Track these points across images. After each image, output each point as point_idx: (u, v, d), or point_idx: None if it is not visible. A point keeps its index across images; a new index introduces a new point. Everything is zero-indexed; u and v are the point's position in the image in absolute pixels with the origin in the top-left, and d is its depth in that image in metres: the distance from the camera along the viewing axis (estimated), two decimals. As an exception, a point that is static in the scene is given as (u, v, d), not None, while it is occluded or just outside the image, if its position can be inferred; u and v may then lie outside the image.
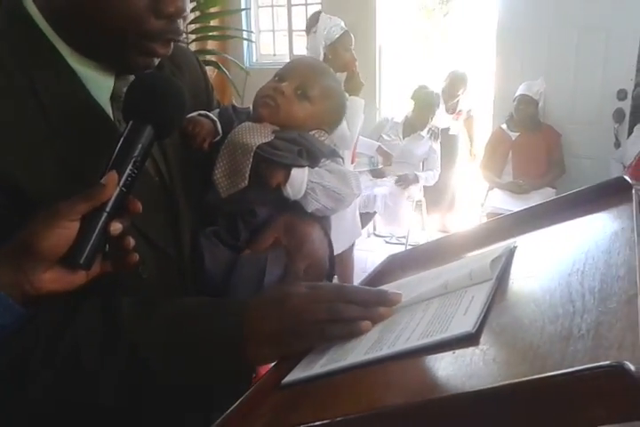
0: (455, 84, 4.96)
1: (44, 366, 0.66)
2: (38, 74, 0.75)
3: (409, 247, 4.55)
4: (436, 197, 4.99)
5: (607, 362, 0.38)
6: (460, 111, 5.03)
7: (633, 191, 0.79)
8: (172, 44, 0.80)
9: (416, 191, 4.65)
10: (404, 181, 4.46)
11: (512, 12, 4.58)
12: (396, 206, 4.35)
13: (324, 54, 3.44)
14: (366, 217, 4.44)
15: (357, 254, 4.82)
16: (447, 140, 4.85)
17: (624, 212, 0.76)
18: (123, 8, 0.72)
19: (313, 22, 3.52)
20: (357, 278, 4.26)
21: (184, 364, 0.69)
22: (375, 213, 4.40)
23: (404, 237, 4.69)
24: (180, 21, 0.78)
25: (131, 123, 0.73)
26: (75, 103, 0.77)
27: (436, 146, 4.64)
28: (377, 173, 4.59)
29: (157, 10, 0.74)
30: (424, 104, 4.56)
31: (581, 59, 4.42)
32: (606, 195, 0.82)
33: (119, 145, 0.71)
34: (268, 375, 0.68)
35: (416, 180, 4.50)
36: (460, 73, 5.05)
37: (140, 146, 0.71)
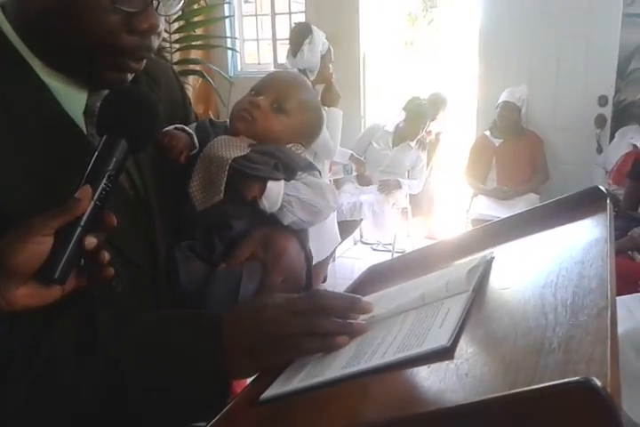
0: (434, 107, 5.01)
1: (21, 378, 0.66)
2: (9, 88, 0.74)
3: (395, 254, 4.57)
4: (416, 202, 5.02)
5: (575, 378, 0.39)
6: (429, 131, 5.07)
7: (608, 201, 0.80)
8: (144, 59, 0.80)
9: (402, 198, 4.66)
10: (385, 187, 4.48)
11: (493, 21, 4.62)
12: (381, 214, 4.36)
13: None
14: (352, 224, 4.44)
15: (344, 262, 4.83)
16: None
17: (599, 221, 0.76)
18: (95, 24, 0.72)
19: (306, 33, 3.50)
20: (344, 286, 4.24)
21: (160, 377, 0.69)
22: (361, 220, 4.40)
23: (390, 244, 4.69)
24: (154, 38, 0.78)
25: (105, 137, 0.72)
26: (47, 118, 0.77)
27: (423, 156, 4.66)
28: (363, 181, 4.61)
29: (130, 26, 0.74)
30: (416, 115, 4.58)
31: (562, 65, 4.47)
32: (583, 204, 0.83)
33: (93, 159, 0.71)
34: (247, 391, 0.68)
35: (398, 185, 4.51)
36: (440, 96, 5.12)
37: (114, 160, 0.71)
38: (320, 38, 3.48)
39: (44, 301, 0.67)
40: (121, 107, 0.75)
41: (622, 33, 4.21)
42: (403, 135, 4.61)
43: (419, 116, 4.56)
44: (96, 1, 0.71)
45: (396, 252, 4.62)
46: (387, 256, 4.66)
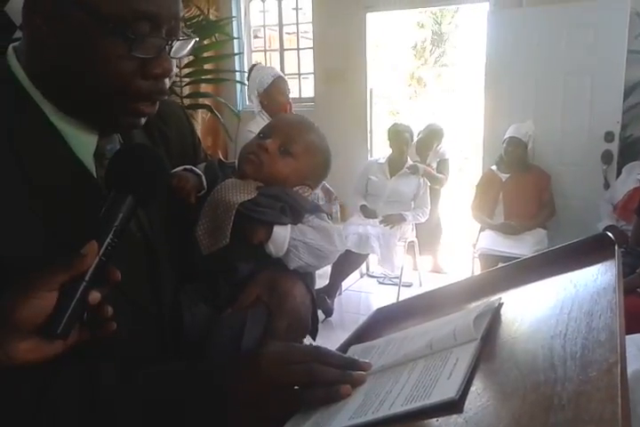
0: (430, 138, 5.06)
1: None
2: (19, 131, 0.75)
3: (402, 288, 4.54)
4: (424, 239, 5.01)
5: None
6: (429, 164, 5.11)
7: (616, 248, 0.79)
8: (157, 102, 0.81)
9: (409, 232, 4.66)
10: (389, 222, 4.49)
11: (499, 57, 4.67)
12: (388, 248, 4.35)
13: (260, 102, 3.84)
14: (359, 258, 4.43)
15: (350, 295, 4.80)
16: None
17: (608, 268, 0.76)
18: (110, 70, 0.73)
19: (249, 76, 3.98)
20: (350, 319, 4.23)
21: None
22: (368, 254, 4.39)
23: (397, 277, 4.67)
24: (166, 80, 0.79)
25: (112, 193, 0.73)
26: (57, 161, 0.77)
27: (424, 183, 4.66)
28: (368, 213, 4.62)
29: (144, 71, 0.75)
30: (398, 139, 4.65)
31: (568, 101, 4.50)
32: (591, 250, 0.83)
33: (101, 214, 0.71)
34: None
35: (402, 219, 4.52)
36: (437, 128, 5.15)
37: (120, 215, 0.72)
38: (255, 76, 3.85)
39: (46, 355, 0.66)
40: (129, 166, 0.75)
41: (627, 69, 4.25)
42: (395, 163, 4.68)
43: (400, 139, 4.63)
44: (113, 50, 0.72)
45: (403, 285, 4.60)
46: (393, 290, 4.64)
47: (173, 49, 0.78)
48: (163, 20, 0.74)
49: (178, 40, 0.78)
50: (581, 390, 0.48)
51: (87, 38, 0.72)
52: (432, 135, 5.06)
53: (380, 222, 4.49)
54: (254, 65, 4.19)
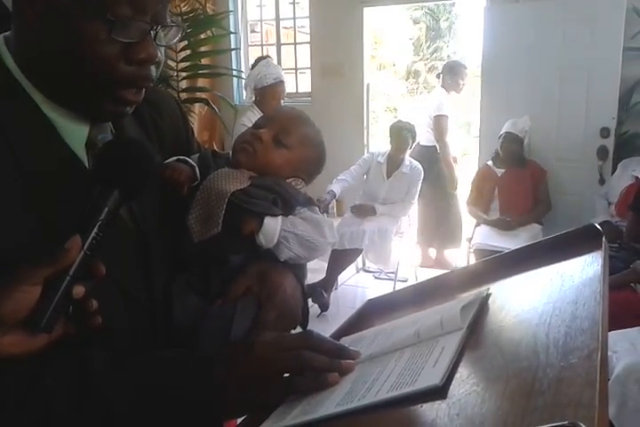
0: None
1: (17, 421, 0.65)
2: (11, 122, 0.75)
3: (398, 283, 4.56)
4: (449, 234, 5.02)
5: (562, 422, 0.39)
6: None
7: (603, 239, 0.80)
8: (142, 90, 0.81)
9: (405, 226, 4.66)
10: (359, 213, 4.51)
11: (496, 52, 4.68)
12: (382, 244, 4.34)
13: (255, 96, 3.87)
14: (353, 253, 4.43)
15: (346, 290, 4.81)
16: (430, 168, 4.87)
17: (594, 259, 0.77)
18: (93, 55, 0.73)
19: (254, 65, 3.96)
20: (346, 314, 4.22)
21: (154, 420, 0.68)
22: (362, 250, 4.39)
23: (392, 272, 4.68)
24: (153, 68, 0.79)
25: (98, 187, 0.73)
26: (48, 152, 0.77)
27: (416, 179, 4.64)
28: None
29: (128, 56, 0.74)
30: (397, 137, 4.59)
31: (565, 97, 4.51)
32: (580, 241, 0.84)
33: (86, 208, 0.71)
34: (241, 426, 0.69)
35: (373, 211, 4.51)
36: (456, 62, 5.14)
37: (106, 209, 0.71)
38: (259, 70, 3.83)
39: (30, 349, 0.65)
40: (116, 160, 0.75)
41: (623, 66, 4.26)
42: (394, 161, 4.62)
43: (398, 137, 4.57)
44: (93, 33, 0.72)
45: (399, 280, 4.61)
46: (389, 284, 4.65)
47: (161, 36, 0.77)
48: (147, 3, 0.73)
49: (164, 26, 0.77)
50: (562, 376, 0.49)
51: (69, 21, 0.71)
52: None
53: (351, 211, 4.53)
54: (265, 57, 4.11)
